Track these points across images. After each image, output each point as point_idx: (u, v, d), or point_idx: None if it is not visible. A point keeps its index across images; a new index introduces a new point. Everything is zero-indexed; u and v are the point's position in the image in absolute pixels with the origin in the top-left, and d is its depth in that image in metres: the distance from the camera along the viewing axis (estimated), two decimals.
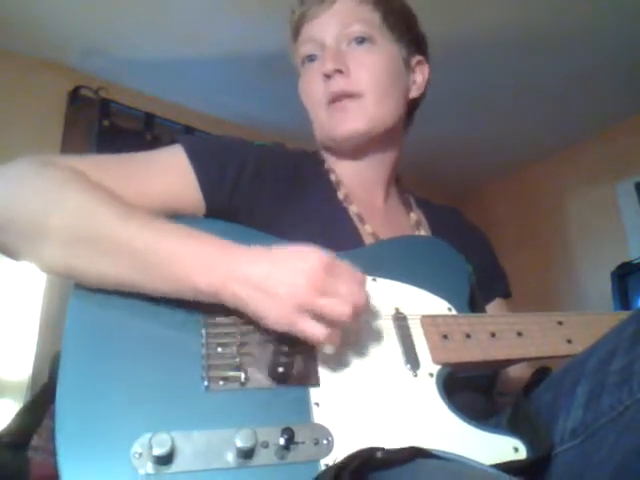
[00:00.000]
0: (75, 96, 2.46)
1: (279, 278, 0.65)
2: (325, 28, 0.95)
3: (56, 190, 0.70)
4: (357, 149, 0.97)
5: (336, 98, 0.93)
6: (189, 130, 2.67)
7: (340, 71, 0.92)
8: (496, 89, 2.73)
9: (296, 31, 1.00)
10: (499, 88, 2.72)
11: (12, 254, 0.71)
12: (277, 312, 0.64)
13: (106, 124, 2.48)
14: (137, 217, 0.69)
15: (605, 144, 2.98)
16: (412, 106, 1.04)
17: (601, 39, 2.43)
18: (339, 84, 0.92)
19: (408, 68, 1.01)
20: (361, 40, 0.94)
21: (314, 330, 0.64)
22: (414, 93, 1.02)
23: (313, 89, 0.96)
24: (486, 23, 2.34)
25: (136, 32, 2.37)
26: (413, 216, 1.02)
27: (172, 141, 0.84)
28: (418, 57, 1.03)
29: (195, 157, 0.81)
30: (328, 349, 0.68)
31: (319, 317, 0.65)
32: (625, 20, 2.32)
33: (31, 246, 0.69)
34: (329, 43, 0.94)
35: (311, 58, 0.97)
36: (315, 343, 0.66)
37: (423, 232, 0.99)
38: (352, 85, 0.92)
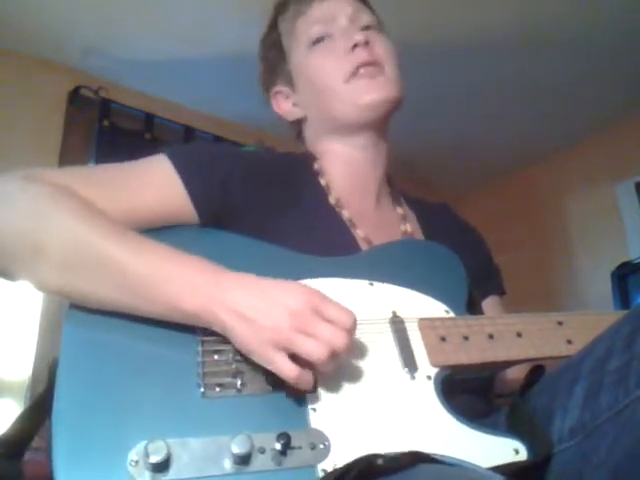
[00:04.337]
0: (75, 96, 2.47)
1: (263, 309, 0.64)
2: (339, 9, 0.98)
3: (45, 211, 0.69)
4: (375, 124, 0.96)
5: (361, 67, 0.93)
6: (189, 130, 2.67)
7: (367, 43, 0.94)
8: (496, 89, 2.73)
9: (301, 8, 1.00)
10: (499, 88, 2.72)
11: (6, 276, 0.71)
12: (254, 343, 0.64)
13: (106, 124, 2.48)
14: (124, 238, 0.69)
15: (605, 144, 2.98)
16: None
17: (602, 39, 2.42)
18: (367, 55, 0.93)
19: None
20: (367, 27, 0.98)
21: (285, 368, 0.63)
22: None
23: (330, 66, 0.95)
24: (486, 23, 2.34)
25: (136, 32, 2.37)
26: (400, 211, 1.01)
27: (166, 145, 0.84)
28: None
29: (181, 166, 0.80)
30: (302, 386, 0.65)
31: (294, 356, 0.63)
32: (626, 20, 2.32)
33: (23, 268, 0.69)
34: (346, 22, 0.97)
35: (320, 39, 0.97)
36: (286, 380, 0.64)
37: (409, 226, 0.98)
38: (376, 57, 0.94)
